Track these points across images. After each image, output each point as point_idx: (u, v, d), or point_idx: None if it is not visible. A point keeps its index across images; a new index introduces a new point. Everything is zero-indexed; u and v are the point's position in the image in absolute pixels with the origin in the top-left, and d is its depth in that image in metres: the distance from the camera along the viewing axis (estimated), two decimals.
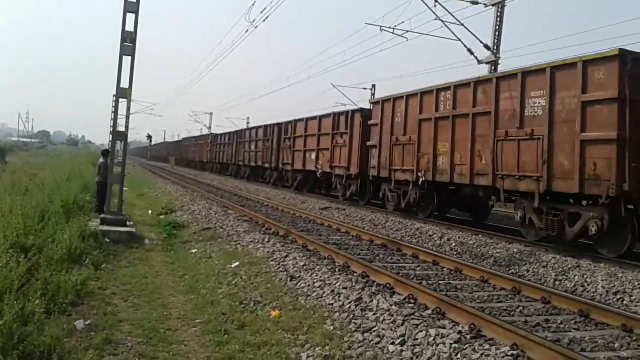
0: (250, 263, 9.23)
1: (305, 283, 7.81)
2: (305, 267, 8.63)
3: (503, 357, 4.91)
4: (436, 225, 14.39)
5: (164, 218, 15.92)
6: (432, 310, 6.29)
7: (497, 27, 19.38)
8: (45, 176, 19.19)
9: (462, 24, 19.13)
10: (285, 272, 8.46)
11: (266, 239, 11.17)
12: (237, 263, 9.29)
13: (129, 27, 12.25)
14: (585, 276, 8.94)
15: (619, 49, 9.82)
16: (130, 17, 12.28)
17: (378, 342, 5.47)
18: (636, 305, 7.62)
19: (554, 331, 6.02)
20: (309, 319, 6.23)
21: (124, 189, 14.01)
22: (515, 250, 11.02)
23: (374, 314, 6.18)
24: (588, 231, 10.30)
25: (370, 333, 5.70)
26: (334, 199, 21.52)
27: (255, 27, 20.51)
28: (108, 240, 10.95)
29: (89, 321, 6.05)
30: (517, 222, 12.29)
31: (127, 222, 12.59)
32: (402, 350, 5.22)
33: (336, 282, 7.54)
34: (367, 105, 21.16)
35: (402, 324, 5.75)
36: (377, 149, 17.89)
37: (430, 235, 13.10)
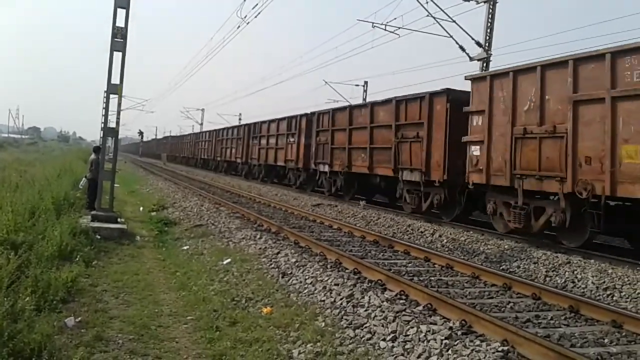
0: (242, 260, 9.22)
1: (297, 280, 7.81)
2: (297, 264, 8.63)
3: (494, 352, 4.93)
4: (428, 222, 14.44)
5: (156, 215, 15.86)
6: (424, 307, 6.31)
7: (488, 24, 19.40)
8: (36, 173, 19.10)
9: (454, 21, 19.18)
10: (277, 269, 8.45)
11: (258, 236, 11.15)
12: (228, 260, 9.28)
13: (120, 22, 12.18)
14: (575, 272, 9.00)
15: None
16: (121, 12, 12.19)
17: (369, 339, 5.48)
18: (626, 302, 7.69)
19: (544, 327, 6.05)
20: (301, 315, 6.24)
21: (115, 185, 13.95)
22: (506, 246, 11.08)
23: (365, 311, 6.19)
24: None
25: (362, 329, 5.71)
26: (322, 195, 21.66)
27: (247, 24, 20.53)
28: (99, 237, 10.90)
29: (79, 318, 6.03)
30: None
31: (119, 219, 12.54)
32: (393, 347, 5.23)
33: (328, 279, 7.55)
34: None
35: (393, 321, 5.77)
36: (263, 149, 30.43)
37: (422, 232, 13.14)
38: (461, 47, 19.32)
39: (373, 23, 21.75)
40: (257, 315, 6.42)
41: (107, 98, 12.83)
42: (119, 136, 13.49)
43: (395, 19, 23.97)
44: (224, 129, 42.37)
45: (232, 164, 38.27)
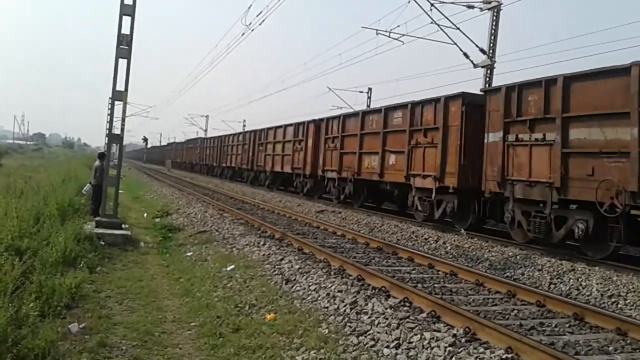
0: (246, 266, 9.22)
1: (300, 286, 7.80)
2: (300, 270, 8.63)
3: None
4: (432, 228, 14.42)
5: (160, 221, 15.90)
6: (427, 314, 6.29)
7: (492, 31, 19.41)
8: (41, 179, 19.15)
9: (458, 28, 19.16)
10: (280, 276, 8.45)
11: (262, 242, 11.15)
12: (232, 266, 9.29)
13: (125, 29, 12.25)
14: (580, 280, 8.97)
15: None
16: (127, 19, 12.27)
17: (373, 346, 5.47)
18: (630, 309, 7.66)
19: (548, 334, 6.03)
20: (304, 322, 6.23)
21: (120, 191, 13.99)
22: (510, 253, 11.05)
23: (369, 318, 6.18)
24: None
25: (365, 336, 5.70)
26: (328, 202, 21.67)
27: (252, 31, 20.61)
28: (103, 243, 10.93)
29: (83, 324, 6.04)
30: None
31: (123, 225, 12.56)
32: (397, 354, 5.23)
33: (332, 286, 7.55)
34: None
35: (397, 328, 5.76)
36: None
37: (426, 239, 13.12)
38: (465, 54, 19.31)
39: (377, 30, 21.78)
40: (260, 322, 6.42)
41: (112, 104, 12.90)
42: (124, 142, 13.54)
43: (399, 26, 24.04)
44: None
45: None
